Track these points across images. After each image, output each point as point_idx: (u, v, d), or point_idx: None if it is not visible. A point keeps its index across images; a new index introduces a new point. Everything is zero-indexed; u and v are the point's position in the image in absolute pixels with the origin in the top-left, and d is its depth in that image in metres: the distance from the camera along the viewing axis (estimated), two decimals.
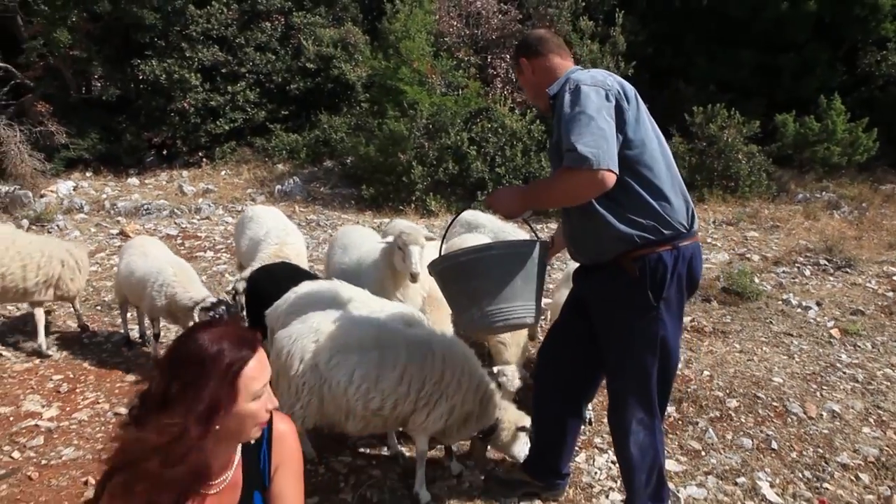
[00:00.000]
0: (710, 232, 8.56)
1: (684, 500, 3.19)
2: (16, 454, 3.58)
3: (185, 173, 11.95)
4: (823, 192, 10.23)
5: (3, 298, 4.81)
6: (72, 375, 4.56)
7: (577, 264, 2.81)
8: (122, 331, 5.19)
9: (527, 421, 3.19)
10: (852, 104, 11.50)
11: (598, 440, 3.72)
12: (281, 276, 3.85)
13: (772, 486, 3.34)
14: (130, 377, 4.50)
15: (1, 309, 5.73)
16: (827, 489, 3.32)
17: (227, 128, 12.24)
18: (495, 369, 3.59)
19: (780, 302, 5.99)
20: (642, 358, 2.52)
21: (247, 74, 12.36)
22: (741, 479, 3.38)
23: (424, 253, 3.79)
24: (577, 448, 3.59)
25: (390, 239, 3.99)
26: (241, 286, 4.41)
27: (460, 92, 11.16)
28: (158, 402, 1.56)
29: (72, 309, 5.40)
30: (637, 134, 2.37)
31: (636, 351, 2.52)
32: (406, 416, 3.01)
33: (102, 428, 3.85)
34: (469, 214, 5.28)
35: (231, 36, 12.28)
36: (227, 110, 12.21)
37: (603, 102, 2.28)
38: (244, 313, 4.20)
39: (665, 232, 2.40)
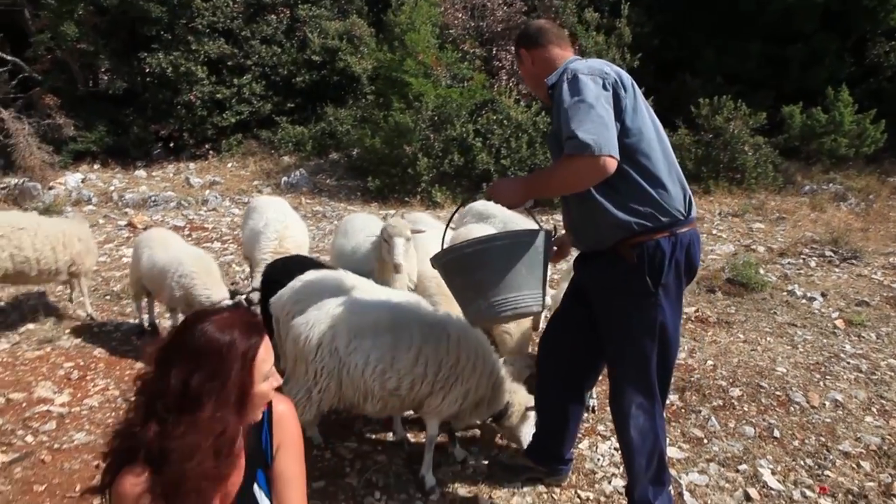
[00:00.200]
0: (715, 223, 8.56)
1: (686, 486, 3.23)
2: (29, 438, 3.65)
3: (191, 165, 12.01)
4: (830, 184, 10.20)
5: (37, 280, 5.17)
6: (82, 363, 4.63)
7: (574, 264, 2.86)
8: (136, 321, 5.26)
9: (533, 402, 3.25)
10: (860, 95, 11.42)
11: (601, 427, 3.76)
12: (295, 270, 3.88)
13: (773, 473, 3.37)
14: (140, 365, 4.56)
15: (9, 298, 5.82)
16: (828, 476, 3.35)
17: (233, 120, 12.28)
18: (503, 359, 3.64)
19: (784, 293, 6.00)
20: (641, 343, 2.55)
21: (253, 67, 12.39)
22: (743, 467, 3.41)
23: (411, 245, 3.95)
24: (580, 435, 3.63)
25: (377, 234, 4.12)
26: (256, 297, 4.42)
27: (465, 84, 11.17)
28: (179, 396, 1.57)
29: (81, 298, 5.47)
30: (634, 122, 2.40)
31: (635, 337, 2.56)
32: (423, 398, 3.06)
33: (113, 414, 3.92)
34: (480, 205, 5.33)
35: (237, 29, 12.31)
36: (233, 103, 12.25)
37: (601, 91, 2.31)
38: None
39: (662, 219, 2.43)
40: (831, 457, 3.52)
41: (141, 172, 11.68)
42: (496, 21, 12.41)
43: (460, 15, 12.41)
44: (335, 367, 2.99)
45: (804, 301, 5.81)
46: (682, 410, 3.98)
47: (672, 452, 3.49)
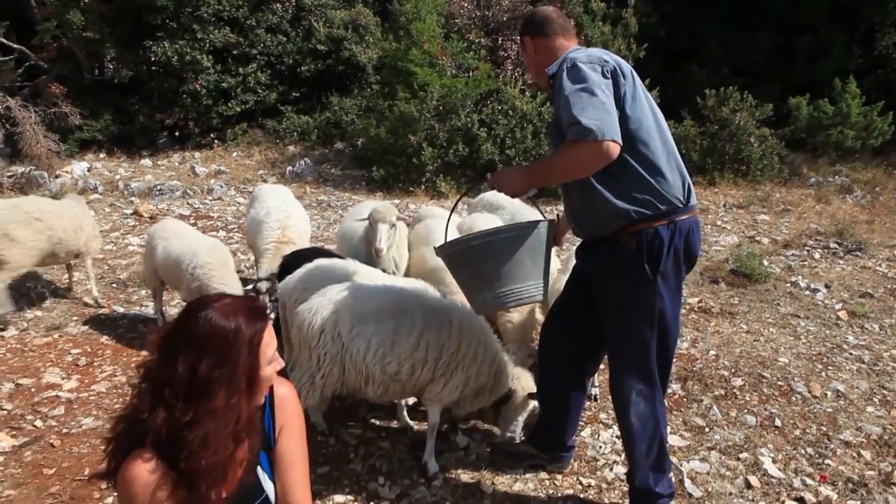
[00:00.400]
0: (720, 215, 8.55)
1: (687, 474, 3.26)
2: (38, 423, 3.70)
3: (197, 154, 12.03)
4: (836, 176, 10.16)
5: (57, 260, 5.36)
6: (90, 349, 4.68)
7: (576, 252, 2.89)
8: (155, 314, 5.12)
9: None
10: (868, 87, 11.35)
11: (603, 416, 3.79)
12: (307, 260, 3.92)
13: (774, 461, 3.40)
14: (146, 352, 4.60)
15: (17, 285, 5.86)
16: (828, 465, 3.38)
17: (238, 109, 12.28)
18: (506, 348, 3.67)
19: (788, 284, 6.00)
20: (640, 330, 2.58)
21: (258, 56, 12.37)
22: (744, 455, 3.44)
23: (397, 234, 4.22)
24: (582, 423, 3.67)
25: (365, 217, 4.34)
26: (264, 286, 4.49)
27: (471, 74, 11.14)
28: (187, 383, 1.59)
29: (88, 285, 5.53)
30: (634, 110, 2.42)
31: (634, 324, 2.58)
32: (424, 384, 3.09)
33: (120, 399, 3.96)
34: (491, 195, 5.35)
35: (242, 17, 12.28)
36: (238, 92, 12.24)
37: (601, 78, 2.33)
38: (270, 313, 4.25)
39: (661, 207, 2.45)
40: (832, 446, 3.54)
41: (146, 161, 11.70)
42: (502, 10, 12.36)
43: (466, 4, 12.37)
44: (338, 353, 3.02)
45: (808, 292, 5.82)
46: (684, 399, 4.01)
47: (673, 440, 3.52)
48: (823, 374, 4.37)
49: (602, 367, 3.98)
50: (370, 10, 13.04)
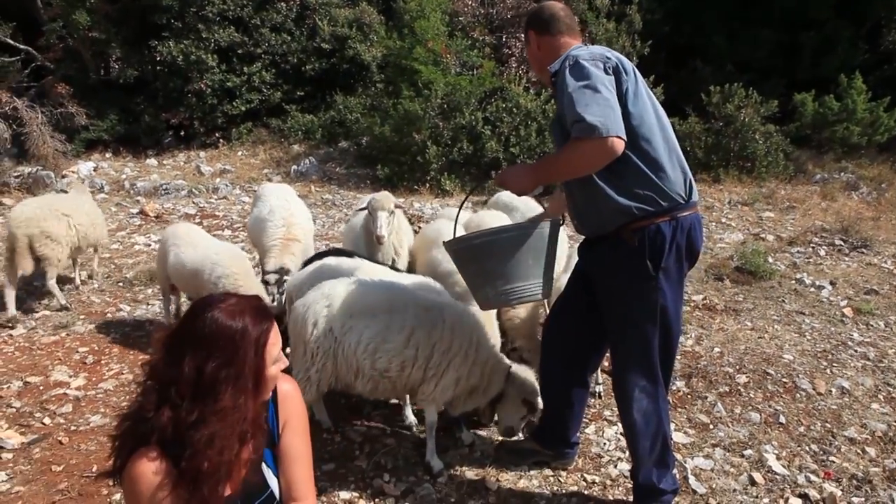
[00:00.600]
0: (724, 212, 8.54)
1: (691, 471, 3.27)
2: (46, 420, 3.74)
3: (202, 154, 12.08)
4: (842, 173, 10.12)
5: (77, 253, 5.66)
6: (97, 348, 4.71)
7: (578, 249, 2.91)
8: (163, 317, 5.11)
9: (534, 395, 3.25)
10: (874, 83, 11.30)
11: (607, 413, 3.80)
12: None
13: (778, 458, 3.40)
14: (152, 350, 4.63)
15: (24, 284, 5.91)
16: (833, 462, 3.38)
17: (243, 109, 12.32)
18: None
19: (793, 281, 5.99)
20: (643, 326, 2.59)
21: (262, 55, 12.40)
22: (748, 452, 3.44)
23: (396, 222, 4.46)
24: (586, 420, 3.68)
25: (363, 205, 4.56)
26: (273, 278, 4.51)
27: (475, 72, 11.15)
28: (193, 383, 1.60)
29: (94, 283, 5.58)
30: (636, 107, 2.43)
31: (637, 320, 2.59)
32: (415, 383, 3.11)
33: (127, 397, 3.99)
34: (506, 196, 5.36)
35: (247, 17, 12.31)
36: (243, 91, 12.28)
37: (603, 75, 2.35)
38: (275, 304, 4.27)
39: (663, 203, 2.46)
40: (836, 443, 3.54)
41: (152, 161, 11.76)
42: (506, 8, 12.35)
43: (470, 2, 12.36)
44: (330, 347, 3.05)
45: (812, 289, 5.81)
46: (689, 396, 4.01)
47: (678, 437, 3.53)
48: (828, 370, 4.37)
49: (605, 364, 4.00)
50: (374, 9, 13.05)
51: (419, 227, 7.02)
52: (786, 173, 10.13)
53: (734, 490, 3.13)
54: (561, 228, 2.95)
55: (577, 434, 3.25)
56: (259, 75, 12.31)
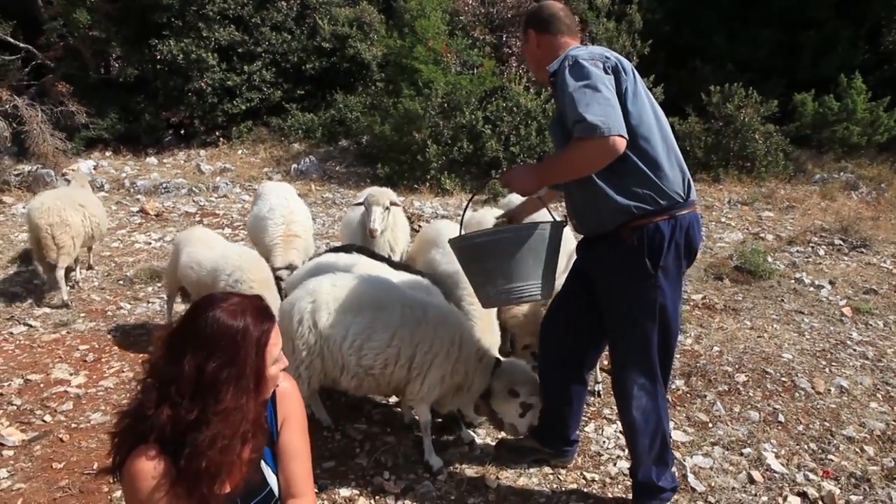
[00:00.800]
0: (724, 212, 8.55)
1: (690, 469, 3.28)
2: (47, 418, 3.75)
3: (202, 152, 12.08)
4: (841, 173, 10.13)
5: (89, 242, 5.93)
6: (97, 346, 4.72)
7: (576, 248, 2.91)
8: (164, 320, 5.04)
9: (522, 386, 3.17)
10: (874, 83, 11.28)
11: (606, 411, 3.81)
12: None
13: (777, 456, 3.41)
14: (153, 348, 4.65)
15: (24, 282, 5.92)
16: (832, 460, 3.39)
17: (243, 107, 12.31)
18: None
19: (792, 281, 6.01)
20: (642, 324, 2.60)
21: (263, 54, 12.39)
22: (747, 450, 3.45)
23: (392, 217, 4.62)
24: (585, 419, 3.69)
25: (360, 200, 4.72)
26: (285, 274, 4.55)
27: (475, 71, 11.14)
28: (193, 382, 1.61)
29: (95, 281, 5.60)
30: (634, 106, 2.44)
31: (636, 318, 2.61)
32: (399, 382, 3.13)
33: (128, 395, 4.00)
34: (517, 198, 5.36)
35: (247, 15, 12.30)
36: (243, 90, 12.27)
37: (603, 74, 2.36)
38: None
39: (662, 202, 2.48)
40: (835, 441, 3.56)
41: (152, 159, 11.76)
42: (506, 7, 12.34)
43: (470, 1, 12.35)
44: (316, 342, 3.07)
45: (812, 289, 5.82)
46: (688, 395, 4.03)
47: (677, 436, 3.54)
48: (827, 370, 4.38)
49: (605, 362, 4.02)
50: (375, 8, 13.04)
51: (419, 227, 7.04)
52: (785, 173, 10.13)
53: (733, 488, 3.14)
54: (566, 228, 2.96)
55: (577, 432, 3.27)
56: (259, 74, 12.31)
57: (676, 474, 3.01)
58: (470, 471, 3.25)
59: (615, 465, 3.33)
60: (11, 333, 4.89)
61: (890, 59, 12.13)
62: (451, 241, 2.81)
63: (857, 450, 3.49)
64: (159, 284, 5.92)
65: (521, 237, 2.60)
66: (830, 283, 5.93)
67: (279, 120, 12.57)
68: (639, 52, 11.45)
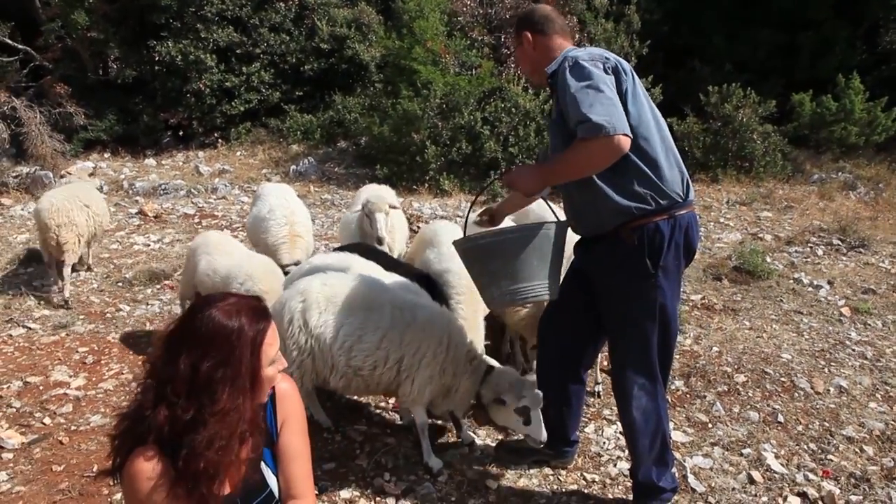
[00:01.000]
0: (723, 212, 8.56)
1: (690, 469, 3.28)
2: (47, 420, 3.74)
3: (200, 154, 12.07)
4: (839, 173, 10.14)
5: (90, 240, 6.03)
6: (97, 348, 4.72)
7: (574, 248, 2.91)
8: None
9: (507, 393, 3.08)
10: (871, 83, 11.30)
11: (606, 412, 3.81)
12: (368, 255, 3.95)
13: (777, 457, 3.42)
14: (151, 349, 4.63)
15: (24, 283, 5.91)
16: (831, 461, 3.40)
17: (241, 109, 12.31)
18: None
19: (791, 281, 6.01)
20: (642, 324, 2.61)
21: (261, 55, 12.39)
22: (747, 450, 3.46)
23: (390, 218, 4.60)
24: (585, 420, 3.70)
25: (358, 208, 4.71)
26: (294, 270, 4.54)
27: (474, 72, 11.14)
28: (188, 381, 1.61)
29: (94, 283, 5.59)
30: (634, 107, 2.46)
31: (636, 317, 2.61)
32: (389, 383, 3.14)
33: (127, 397, 3.98)
34: (536, 206, 5.36)
35: (245, 17, 12.31)
36: (241, 91, 12.27)
37: (604, 74, 2.37)
38: None
39: (662, 202, 2.49)
40: (835, 441, 3.56)
41: (150, 161, 11.75)
42: (505, 8, 12.35)
43: (469, 2, 12.36)
44: (306, 341, 3.08)
45: (810, 289, 5.83)
46: (688, 395, 4.03)
47: (677, 436, 3.54)
48: (826, 370, 4.39)
49: (605, 363, 4.02)
50: (373, 9, 13.05)
51: (418, 227, 7.04)
52: (784, 173, 10.14)
53: (733, 489, 3.15)
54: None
55: (577, 433, 3.27)
56: (258, 75, 12.31)
57: (677, 475, 3.02)
58: (470, 472, 3.25)
59: (615, 465, 3.33)
60: (11, 335, 4.88)
61: (887, 59, 12.15)
62: (456, 243, 2.81)
63: (857, 450, 3.50)
64: (158, 286, 5.93)
65: (525, 237, 2.59)
66: (829, 283, 5.94)
67: (278, 121, 12.57)
68: (637, 53, 11.46)
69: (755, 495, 3.11)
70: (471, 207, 3.28)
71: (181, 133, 12.44)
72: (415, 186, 10.03)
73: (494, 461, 3.32)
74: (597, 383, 3.98)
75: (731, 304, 5.49)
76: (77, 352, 4.64)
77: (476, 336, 3.51)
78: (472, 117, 10.18)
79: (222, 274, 4.34)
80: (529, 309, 3.68)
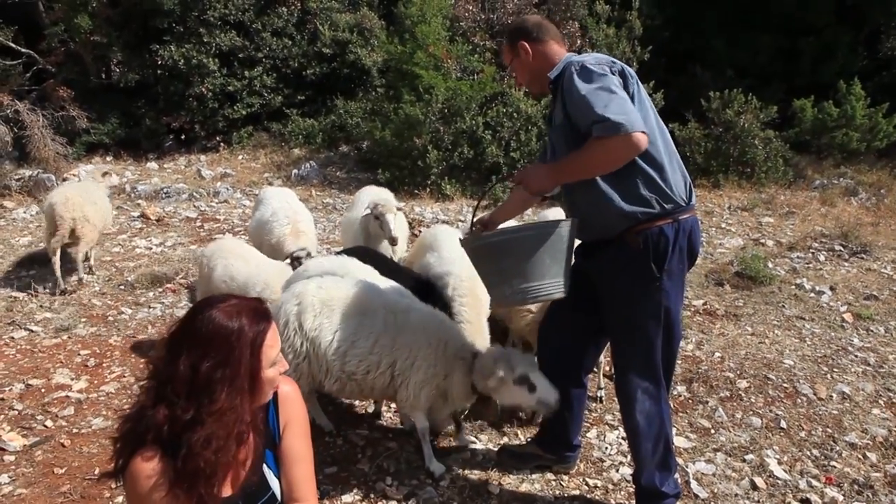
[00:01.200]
0: (724, 217, 8.55)
1: (693, 475, 3.28)
2: (49, 423, 3.74)
3: (203, 157, 12.08)
4: (841, 179, 10.13)
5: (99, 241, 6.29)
6: (98, 351, 4.71)
7: (575, 252, 2.90)
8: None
9: (499, 365, 2.93)
10: (873, 89, 11.31)
11: (608, 417, 3.81)
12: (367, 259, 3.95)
13: (779, 463, 3.41)
14: (154, 351, 4.63)
15: (25, 287, 5.92)
16: (834, 467, 3.39)
17: (244, 113, 12.32)
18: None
19: (793, 286, 6.01)
20: (647, 328, 2.61)
21: (263, 59, 12.41)
22: (749, 456, 3.45)
23: (397, 219, 4.70)
24: (588, 425, 3.69)
25: (367, 211, 4.75)
26: (304, 253, 4.63)
27: (476, 76, 11.16)
28: (188, 381, 1.62)
29: (96, 287, 5.60)
30: (640, 111, 2.47)
31: (641, 321, 2.61)
32: (383, 388, 3.14)
33: (129, 400, 3.99)
34: (552, 213, 5.38)
35: (248, 21, 12.33)
36: (244, 95, 12.28)
37: (613, 77, 2.37)
38: None
39: (666, 206, 2.50)
40: (838, 448, 3.55)
41: (153, 164, 11.76)
42: (507, 13, 12.36)
43: (471, 7, 12.38)
44: (302, 345, 3.08)
45: (812, 295, 5.82)
46: (690, 401, 4.02)
47: (679, 442, 3.54)
48: (829, 376, 4.38)
49: (607, 368, 4.02)
50: (375, 14, 13.08)
51: (419, 231, 7.04)
52: (785, 179, 10.13)
53: (736, 495, 3.14)
54: None
55: (578, 437, 3.27)
56: (260, 79, 12.32)
57: (679, 481, 3.01)
58: (472, 477, 3.25)
59: (618, 471, 3.32)
60: (12, 338, 4.88)
61: (889, 65, 12.16)
62: (464, 242, 2.79)
63: (860, 456, 3.49)
64: (160, 289, 5.93)
65: (540, 235, 2.57)
66: (831, 288, 5.93)
67: (280, 125, 12.59)
68: (639, 59, 11.47)
69: (758, 501, 3.11)
70: (476, 210, 3.28)
71: (183, 137, 12.46)
72: (416, 191, 10.03)
73: (496, 466, 3.32)
74: (599, 388, 3.98)
75: (733, 309, 5.49)
76: (79, 354, 4.64)
77: (480, 339, 3.51)
78: (473, 122, 10.19)
79: (240, 281, 4.31)
80: (535, 315, 3.68)
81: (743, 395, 4.10)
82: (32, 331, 5.03)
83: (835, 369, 4.47)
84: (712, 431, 3.70)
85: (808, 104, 11.06)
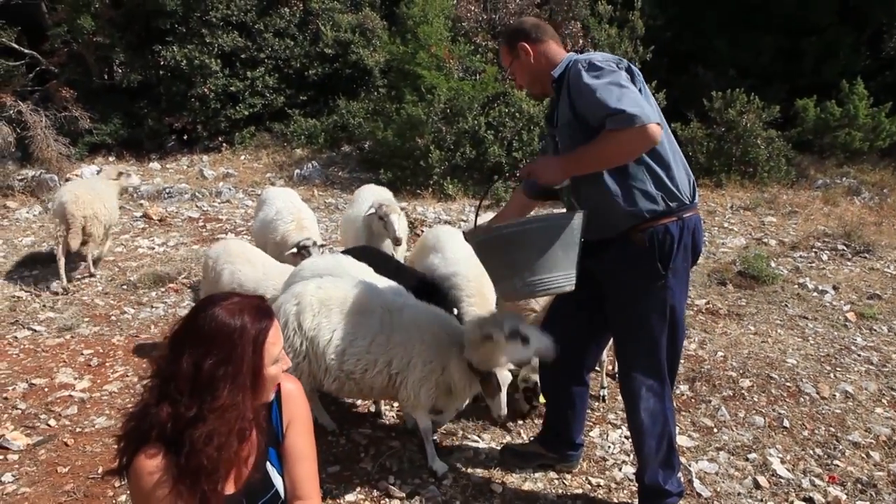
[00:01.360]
0: (727, 217, 8.54)
1: (696, 474, 3.27)
2: (52, 422, 3.75)
3: (205, 158, 12.10)
4: (844, 178, 10.12)
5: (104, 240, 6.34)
6: (101, 350, 4.72)
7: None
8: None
9: (487, 326, 2.94)
10: (875, 88, 11.29)
11: (611, 416, 3.81)
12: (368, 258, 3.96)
13: (782, 462, 3.41)
14: (156, 350, 4.64)
15: (28, 286, 5.93)
16: (837, 466, 3.39)
17: (246, 113, 12.34)
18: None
19: (796, 286, 6.00)
20: (652, 326, 2.61)
21: (266, 60, 12.42)
22: (752, 455, 3.45)
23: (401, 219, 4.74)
24: (591, 424, 3.69)
25: (371, 211, 4.77)
26: (310, 242, 4.66)
27: (478, 77, 11.16)
28: (191, 379, 1.62)
29: (99, 287, 5.61)
30: None
31: (646, 319, 2.61)
32: (382, 388, 3.14)
33: (132, 399, 4.00)
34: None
35: (250, 22, 12.35)
36: (246, 96, 12.30)
37: (621, 73, 2.38)
38: None
39: (672, 204, 2.51)
40: (841, 447, 3.55)
41: (155, 164, 11.78)
42: (509, 14, 12.36)
43: (473, 7, 12.39)
44: (301, 344, 3.09)
45: (815, 294, 5.81)
46: (693, 400, 4.02)
47: (682, 441, 3.53)
48: (832, 375, 4.37)
49: (610, 367, 4.02)
50: (377, 14, 13.09)
51: (421, 232, 7.05)
52: (788, 178, 10.12)
53: (739, 493, 3.14)
54: None
55: (581, 436, 3.27)
56: (262, 80, 12.34)
57: (682, 480, 3.01)
58: (475, 476, 3.25)
59: (620, 470, 3.32)
60: (16, 338, 4.89)
61: (891, 64, 12.14)
62: (469, 235, 2.73)
63: (863, 455, 3.49)
64: (163, 289, 5.94)
65: (552, 227, 2.53)
66: (834, 288, 5.92)
67: (282, 125, 12.60)
68: (641, 59, 11.46)
69: (761, 500, 3.10)
70: (479, 208, 3.28)
71: (186, 137, 12.48)
72: (419, 191, 10.03)
73: (499, 465, 3.32)
74: (602, 387, 3.98)
75: (735, 308, 5.48)
76: (82, 354, 4.65)
77: None
78: (475, 122, 10.19)
79: (249, 288, 4.21)
80: (538, 313, 3.67)
81: (746, 394, 4.09)
82: (36, 330, 5.04)
83: (838, 368, 4.46)
84: (715, 430, 3.70)
85: (811, 104, 11.05)
